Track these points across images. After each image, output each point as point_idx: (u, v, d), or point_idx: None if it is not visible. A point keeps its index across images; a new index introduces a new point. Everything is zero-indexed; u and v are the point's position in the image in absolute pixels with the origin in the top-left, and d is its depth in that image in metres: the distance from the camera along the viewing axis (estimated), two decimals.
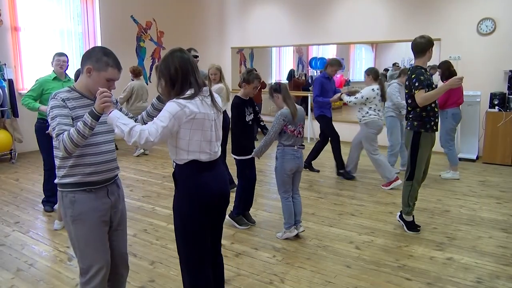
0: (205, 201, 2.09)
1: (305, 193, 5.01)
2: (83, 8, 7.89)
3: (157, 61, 9.39)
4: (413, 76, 3.65)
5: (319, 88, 5.72)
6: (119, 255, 2.28)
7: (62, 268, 3.17)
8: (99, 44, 8.13)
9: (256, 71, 3.87)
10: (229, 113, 4.29)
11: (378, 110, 5.28)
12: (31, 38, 7.18)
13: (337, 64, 5.65)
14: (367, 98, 5.21)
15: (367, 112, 5.25)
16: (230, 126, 4.23)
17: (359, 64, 10.08)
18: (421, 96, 3.58)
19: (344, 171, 5.78)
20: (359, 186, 5.41)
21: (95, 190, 2.10)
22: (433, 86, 3.70)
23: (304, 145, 3.68)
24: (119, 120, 1.93)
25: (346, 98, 5.37)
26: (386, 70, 9.10)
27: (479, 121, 6.76)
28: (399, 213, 3.99)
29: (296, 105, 3.58)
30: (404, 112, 5.80)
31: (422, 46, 3.67)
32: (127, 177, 5.77)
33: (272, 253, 3.42)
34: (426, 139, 3.70)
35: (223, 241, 3.63)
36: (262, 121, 4.13)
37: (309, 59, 9.54)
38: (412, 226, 3.88)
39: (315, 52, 9.64)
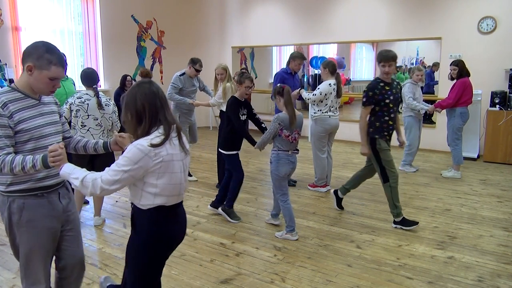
0: (165, 249, 2.00)
1: (306, 192, 5.01)
2: (83, 7, 7.89)
3: (157, 61, 9.41)
4: (365, 89, 3.83)
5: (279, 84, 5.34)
6: (75, 258, 2.19)
7: None
8: (100, 44, 8.14)
9: (247, 71, 3.99)
10: None
11: (332, 107, 4.89)
12: (32, 38, 7.18)
13: (299, 57, 5.11)
14: (325, 94, 4.83)
15: (319, 110, 4.93)
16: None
17: (360, 63, 10.08)
18: (361, 115, 3.85)
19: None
20: (360, 185, 5.38)
21: (47, 194, 1.99)
22: (392, 97, 3.76)
23: (298, 150, 3.71)
24: (70, 176, 1.80)
25: (304, 94, 5.01)
26: None
27: (480, 119, 6.75)
28: (393, 221, 3.97)
29: (297, 111, 3.61)
30: (422, 112, 5.83)
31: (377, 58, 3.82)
32: None
33: (273, 252, 3.43)
34: (385, 143, 3.83)
35: (224, 241, 3.67)
36: (263, 122, 4.24)
37: (310, 58, 9.53)
38: (408, 222, 3.87)
39: (316, 51, 9.64)
